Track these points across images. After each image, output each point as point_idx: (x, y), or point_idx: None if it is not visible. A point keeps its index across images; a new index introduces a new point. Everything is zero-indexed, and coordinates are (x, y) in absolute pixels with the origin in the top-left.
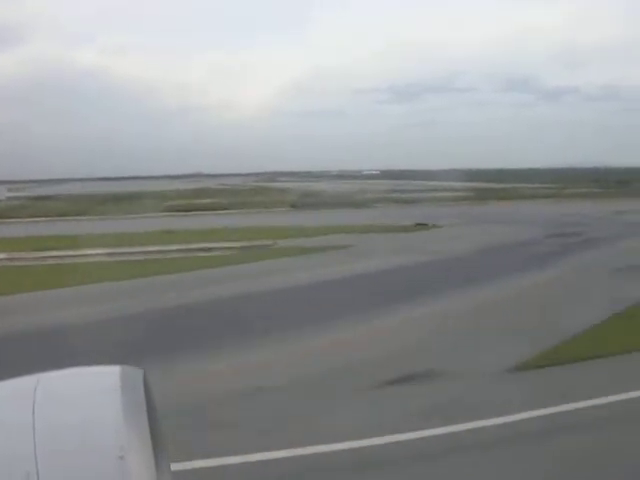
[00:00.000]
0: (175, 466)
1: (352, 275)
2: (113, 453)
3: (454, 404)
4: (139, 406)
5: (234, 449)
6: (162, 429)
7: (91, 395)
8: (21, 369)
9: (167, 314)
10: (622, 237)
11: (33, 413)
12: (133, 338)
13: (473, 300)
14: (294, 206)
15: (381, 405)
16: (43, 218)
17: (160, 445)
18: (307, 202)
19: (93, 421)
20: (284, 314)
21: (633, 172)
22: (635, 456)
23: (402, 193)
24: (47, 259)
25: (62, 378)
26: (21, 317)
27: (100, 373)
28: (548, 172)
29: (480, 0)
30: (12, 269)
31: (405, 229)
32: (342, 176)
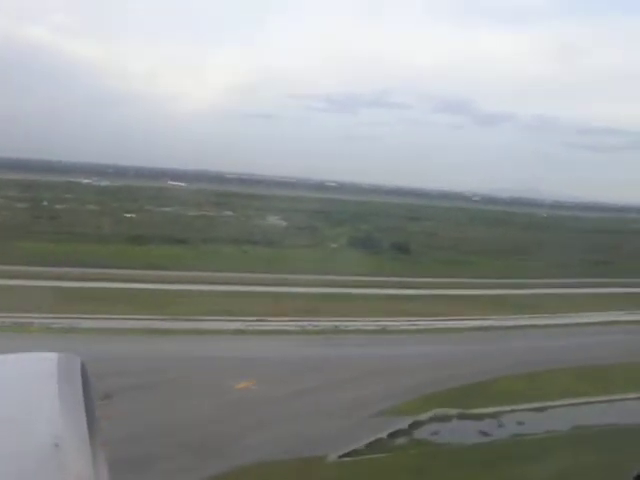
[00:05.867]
0: None
1: None
2: (48, 441)
3: None
4: (76, 394)
5: None
6: (98, 417)
7: (27, 382)
8: None
9: None
10: None
11: None
12: None
13: None
14: None
15: None
16: None
17: (96, 433)
18: None
19: (28, 408)
20: None
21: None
22: None
23: None
24: None
25: None
26: None
27: (36, 360)
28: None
29: (420, 22)
30: None
31: None
32: None
